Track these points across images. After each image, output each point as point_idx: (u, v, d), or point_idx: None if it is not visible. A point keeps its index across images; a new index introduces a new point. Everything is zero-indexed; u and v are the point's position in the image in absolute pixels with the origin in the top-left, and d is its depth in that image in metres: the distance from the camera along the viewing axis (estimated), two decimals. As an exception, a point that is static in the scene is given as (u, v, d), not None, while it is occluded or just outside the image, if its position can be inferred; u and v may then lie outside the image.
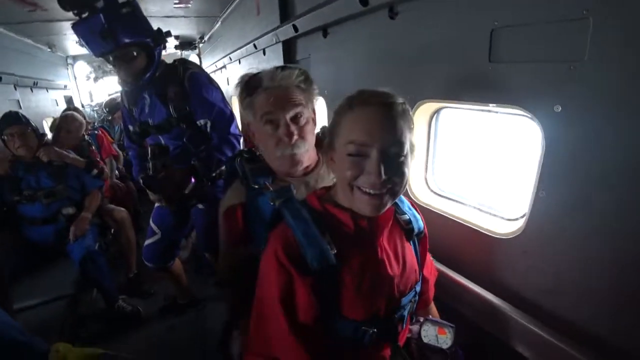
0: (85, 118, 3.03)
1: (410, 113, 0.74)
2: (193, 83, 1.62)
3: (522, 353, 0.94)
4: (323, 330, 0.72)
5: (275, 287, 0.71)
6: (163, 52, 1.69)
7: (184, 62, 1.72)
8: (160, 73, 1.65)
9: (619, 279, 0.77)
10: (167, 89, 1.62)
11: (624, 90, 0.71)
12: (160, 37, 1.62)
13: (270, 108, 0.90)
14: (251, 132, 1.01)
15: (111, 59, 1.54)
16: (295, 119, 0.91)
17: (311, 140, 0.96)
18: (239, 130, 1.71)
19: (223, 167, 1.80)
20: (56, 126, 2.74)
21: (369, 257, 0.76)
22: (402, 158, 0.70)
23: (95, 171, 2.33)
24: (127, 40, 1.48)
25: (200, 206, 1.81)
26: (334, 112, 0.77)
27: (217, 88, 1.70)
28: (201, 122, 1.64)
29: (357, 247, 0.76)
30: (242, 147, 1.69)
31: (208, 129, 1.65)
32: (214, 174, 1.73)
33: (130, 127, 1.81)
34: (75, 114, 2.74)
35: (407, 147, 0.70)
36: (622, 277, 0.76)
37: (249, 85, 0.93)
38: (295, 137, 0.90)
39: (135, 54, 1.54)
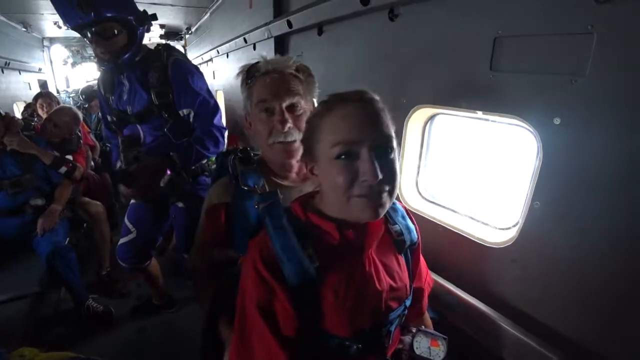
0: (59, 103, 2.88)
1: (385, 108, 0.70)
2: (176, 70, 1.53)
3: None
4: (306, 343, 0.68)
5: (255, 299, 0.67)
6: (147, 41, 1.60)
7: (168, 47, 1.63)
8: (141, 57, 1.55)
9: (608, 291, 0.77)
10: (148, 74, 1.52)
11: (624, 107, 0.71)
12: (145, 18, 1.53)
13: (266, 95, 0.88)
14: (247, 125, 0.98)
15: (89, 34, 1.42)
16: (292, 108, 0.89)
17: None
18: (223, 123, 1.63)
19: (204, 162, 1.73)
20: (46, 117, 2.60)
21: (355, 270, 0.72)
22: (392, 154, 0.66)
23: (63, 169, 2.16)
24: (108, 14, 1.37)
25: (180, 204, 1.72)
26: (307, 121, 0.73)
27: (202, 77, 1.62)
28: (184, 111, 1.55)
29: (342, 260, 0.71)
30: (225, 141, 1.61)
31: (191, 119, 1.56)
32: (194, 169, 1.65)
33: (108, 117, 1.71)
34: (70, 107, 2.56)
35: (394, 142, 0.67)
36: (611, 289, 0.77)
37: (249, 72, 0.93)
38: (289, 124, 0.87)
39: (115, 31, 1.43)
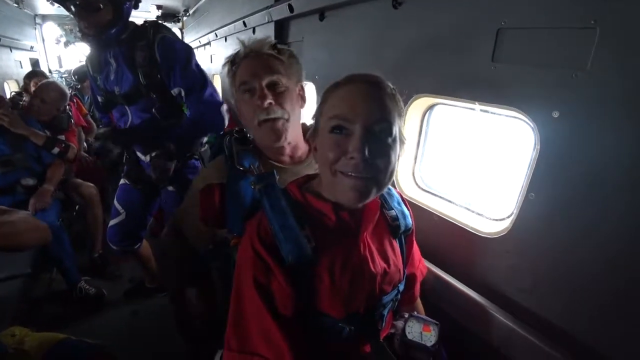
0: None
1: (400, 100, 0.70)
2: (164, 48, 1.47)
3: (503, 351, 0.95)
4: (302, 321, 0.69)
5: (252, 277, 0.67)
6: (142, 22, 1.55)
7: (155, 24, 1.55)
8: (128, 35, 1.49)
9: (598, 282, 0.79)
10: (135, 53, 1.47)
11: (623, 103, 0.71)
12: None
13: (246, 77, 0.91)
14: (238, 112, 0.98)
15: (73, 8, 1.38)
16: (272, 86, 0.90)
17: (292, 110, 0.92)
18: (218, 97, 1.55)
19: (203, 148, 1.71)
20: (32, 93, 2.53)
21: (350, 252, 0.72)
22: (389, 141, 0.65)
23: (56, 150, 2.13)
24: None
25: (170, 188, 1.70)
26: (321, 96, 0.74)
27: (191, 54, 1.54)
28: (175, 91, 1.50)
29: (338, 242, 0.72)
30: (226, 116, 1.55)
31: (183, 99, 1.51)
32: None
33: (98, 98, 1.66)
34: (56, 82, 2.48)
35: (395, 130, 0.66)
36: (602, 280, 0.78)
37: (232, 62, 0.96)
38: (269, 100, 0.88)
39: (100, 5, 1.37)
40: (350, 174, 0.64)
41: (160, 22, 1.62)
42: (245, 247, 0.71)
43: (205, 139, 1.72)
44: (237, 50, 0.96)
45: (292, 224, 0.68)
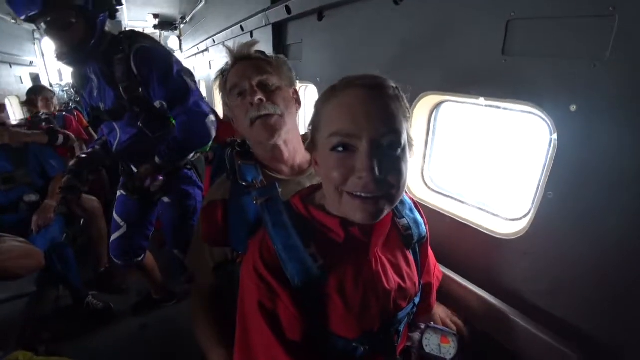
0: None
1: (405, 99, 0.63)
2: (140, 60, 1.37)
3: (523, 356, 0.90)
4: (312, 345, 0.64)
5: (256, 302, 0.63)
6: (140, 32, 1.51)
7: (131, 34, 1.46)
8: (106, 49, 1.40)
9: (624, 285, 0.75)
10: (114, 68, 1.39)
11: None
12: (105, 2, 1.35)
13: (236, 80, 0.90)
14: (234, 120, 0.96)
15: (43, 25, 1.27)
16: (263, 86, 0.88)
17: (287, 109, 0.89)
18: (204, 107, 1.44)
19: (191, 156, 1.67)
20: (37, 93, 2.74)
21: (361, 269, 0.67)
22: (399, 151, 0.58)
23: (61, 138, 2.19)
24: (57, 2, 1.23)
25: (166, 199, 1.68)
26: (315, 104, 0.68)
27: (172, 61, 1.43)
28: (157, 104, 1.42)
29: (348, 259, 0.67)
30: (214, 125, 1.47)
31: (168, 111, 1.43)
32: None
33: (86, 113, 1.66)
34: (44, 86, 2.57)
35: (404, 138, 0.59)
36: (628, 283, 0.74)
37: (223, 72, 0.96)
38: (259, 96, 0.85)
39: (73, 20, 1.27)
40: (359, 194, 0.58)
41: (137, 30, 1.54)
42: (247, 269, 0.66)
43: (191, 156, 1.67)
44: (227, 63, 0.96)
45: (295, 243, 0.64)
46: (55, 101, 3.15)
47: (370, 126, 0.57)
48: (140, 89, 1.41)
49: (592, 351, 0.79)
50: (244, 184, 0.84)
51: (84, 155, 1.59)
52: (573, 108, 0.78)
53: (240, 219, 0.81)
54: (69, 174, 1.51)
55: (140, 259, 1.83)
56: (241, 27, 2.43)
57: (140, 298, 2.18)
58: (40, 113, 2.82)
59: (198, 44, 4.19)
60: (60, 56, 1.37)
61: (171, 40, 5.59)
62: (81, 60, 1.41)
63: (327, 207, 0.68)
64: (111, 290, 2.28)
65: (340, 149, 0.58)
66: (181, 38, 5.47)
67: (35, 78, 4.86)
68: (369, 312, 0.67)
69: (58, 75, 5.93)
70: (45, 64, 5.45)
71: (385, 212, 0.61)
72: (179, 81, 1.40)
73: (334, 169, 0.59)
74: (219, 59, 3.46)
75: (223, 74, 0.95)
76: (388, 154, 0.58)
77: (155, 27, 5.09)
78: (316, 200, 0.71)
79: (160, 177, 1.53)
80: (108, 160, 1.67)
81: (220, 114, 3.74)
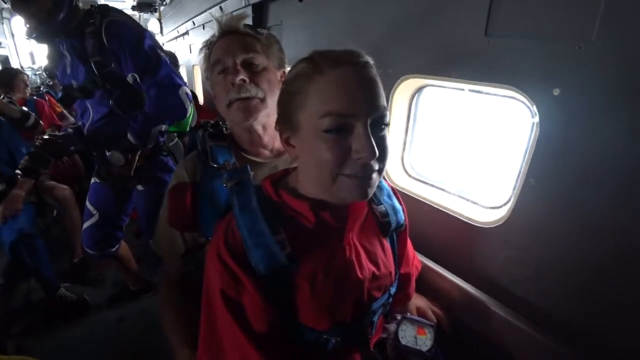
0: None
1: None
2: (111, 33, 1.35)
3: (502, 346, 0.89)
4: (282, 336, 0.61)
5: (220, 291, 0.59)
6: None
7: (103, 8, 1.42)
8: (77, 23, 1.37)
9: (604, 273, 0.74)
10: (85, 42, 1.35)
11: (634, 76, 0.64)
12: None
13: (220, 55, 0.83)
14: (214, 98, 0.90)
15: None
16: (248, 65, 0.83)
17: (270, 92, 0.83)
18: (178, 80, 1.43)
19: (162, 140, 1.60)
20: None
21: (334, 257, 0.64)
22: (385, 129, 0.58)
23: (31, 120, 2.16)
24: None
25: (140, 187, 1.61)
26: (287, 80, 0.63)
27: (144, 34, 1.42)
28: (130, 78, 1.39)
29: (319, 246, 0.63)
30: (189, 101, 1.44)
31: (140, 85, 1.40)
32: (150, 148, 1.52)
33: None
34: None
35: (388, 115, 0.58)
36: (608, 271, 0.73)
37: (208, 44, 0.89)
38: (241, 76, 0.80)
39: None
40: (355, 174, 0.56)
41: (108, 5, 1.48)
42: (211, 255, 0.62)
43: (164, 127, 1.56)
44: (213, 34, 0.88)
45: (262, 228, 0.59)
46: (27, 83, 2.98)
47: (366, 105, 0.55)
48: (112, 64, 1.36)
49: (571, 338, 0.79)
50: (214, 165, 0.79)
51: (48, 137, 1.50)
52: (556, 92, 0.75)
53: (210, 203, 0.77)
54: (29, 155, 1.44)
55: (113, 249, 1.76)
56: (220, 7, 2.33)
57: (117, 290, 2.11)
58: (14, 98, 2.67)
59: (178, 26, 4.02)
60: (29, 31, 1.33)
61: (151, 23, 5.36)
62: (51, 35, 1.37)
63: (300, 190, 0.64)
64: (86, 282, 2.21)
65: (334, 129, 0.54)
66: (161, 21, 5.23)
67: (4, 60, 4.60)
68: (340, 302, 0.64)
69: (30, 58, 5.63)
70: (16, 45, 5.16)
71: (375, 186, 0.60)
72: (150, 53, 1.38)
73: (328, 151, 0.55)
74: (199, 42, 3.33)
75: (209, 47, 0.88)
76: (378, 132, 0.56)
77: (133, 8, 4.85)
78: (289, 183, 0.67)
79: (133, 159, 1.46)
80: (80, 144, 1.58)
81: (201, 99, 3.66)
